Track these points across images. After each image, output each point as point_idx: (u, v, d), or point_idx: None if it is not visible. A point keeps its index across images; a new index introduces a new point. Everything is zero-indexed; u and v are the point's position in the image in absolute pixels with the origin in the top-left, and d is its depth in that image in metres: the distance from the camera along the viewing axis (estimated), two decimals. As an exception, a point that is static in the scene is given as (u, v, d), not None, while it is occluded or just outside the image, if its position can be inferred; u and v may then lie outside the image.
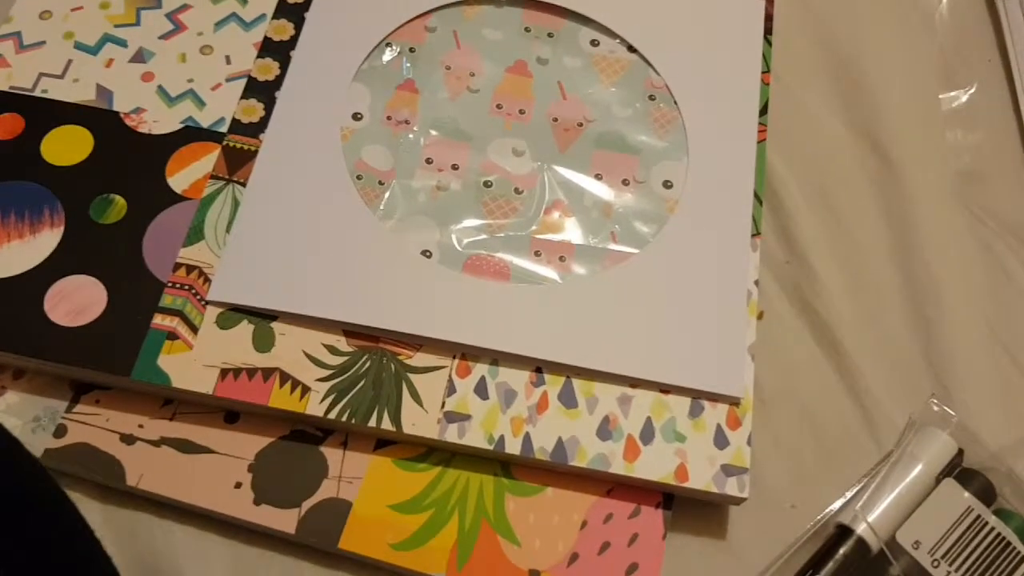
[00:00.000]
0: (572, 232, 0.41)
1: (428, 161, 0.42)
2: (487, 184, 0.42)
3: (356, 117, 0.43)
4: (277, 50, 0.44)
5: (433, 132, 0.43)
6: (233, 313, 0.38)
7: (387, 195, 0.41)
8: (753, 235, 0.41)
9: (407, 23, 0.45)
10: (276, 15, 0.45)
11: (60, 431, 0.38)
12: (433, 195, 0.41)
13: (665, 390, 0.38)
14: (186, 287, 0.38)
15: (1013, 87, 0.49)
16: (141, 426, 0.38)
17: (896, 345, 0.42)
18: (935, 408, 0.39)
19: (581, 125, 0.44)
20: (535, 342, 0.38)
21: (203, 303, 0.38)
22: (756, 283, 0.40)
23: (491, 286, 0.39)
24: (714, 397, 0.38)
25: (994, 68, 0.50)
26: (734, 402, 0.38)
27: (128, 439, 0.38)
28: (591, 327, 0.39)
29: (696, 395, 0.38)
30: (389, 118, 0.43)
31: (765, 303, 0.43)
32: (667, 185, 0.43)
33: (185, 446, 0.38)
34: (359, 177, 0.41)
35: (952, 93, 0.49)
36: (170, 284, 0.38)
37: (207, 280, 0.39)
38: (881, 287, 0.44)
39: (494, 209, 0.41)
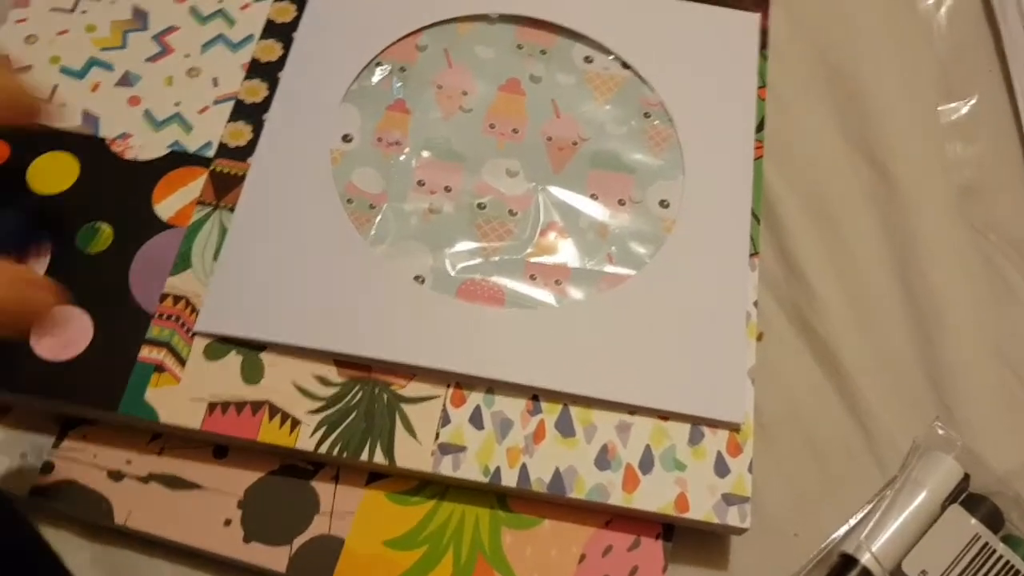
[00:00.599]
0: (568, 254, 0.41)
1: (420, 183, 0.42)
2: (481, 206, 0.41)
3: (346, 139, 0.42)
4: (265, 71, 0.43)
5: (425, 153, 0.42)
6: (221, 344, 0.37)
7: (378, 219, 0.40)
8: (751, 255, 0.41)
9: (398, 42, 0.45)
10: (264, 35, 0.44)
11: (47, 468, 0.37)
12: (425, 218, 0.41)
13: (664, 416, 0.37)
14: (173, 318, 0.38)
15: (1013, 98, 0.48)
16: (129, 462, 0.37)
17: (898, 364, 0.42)
18: (939, 431, 0.39)
19: (576, 144, 0.43)
20: (531, 369, 0.37)
21: (190, 334, 0.37)
22: (755, 304, 0.40)
23: (485, 312, 0.38)
24: (714, 423, 0.37)
25: (994, 78, 0.49)
26: (734, 428, 0.37)
27: (116, 475, 0.37)
28: (588, 353, 0.38)
29: (696, 422, 0.37)
30: (380, 139, 0.42)
31: (764, 323, 0.42)
32: (664, 204, 0.42)
33: (174, 482, 0.37)
34: (349, 201, 0.41)
35: (952, 105, 0.48)
36: (157, 315, 0.38)
37: (194, 310, 0.38)
38: (882, 304, 0.43)
39: (488, 232, 0.41)
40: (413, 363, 0.37)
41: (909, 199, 0.45)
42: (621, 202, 0.42)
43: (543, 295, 0.39)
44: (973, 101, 0.48)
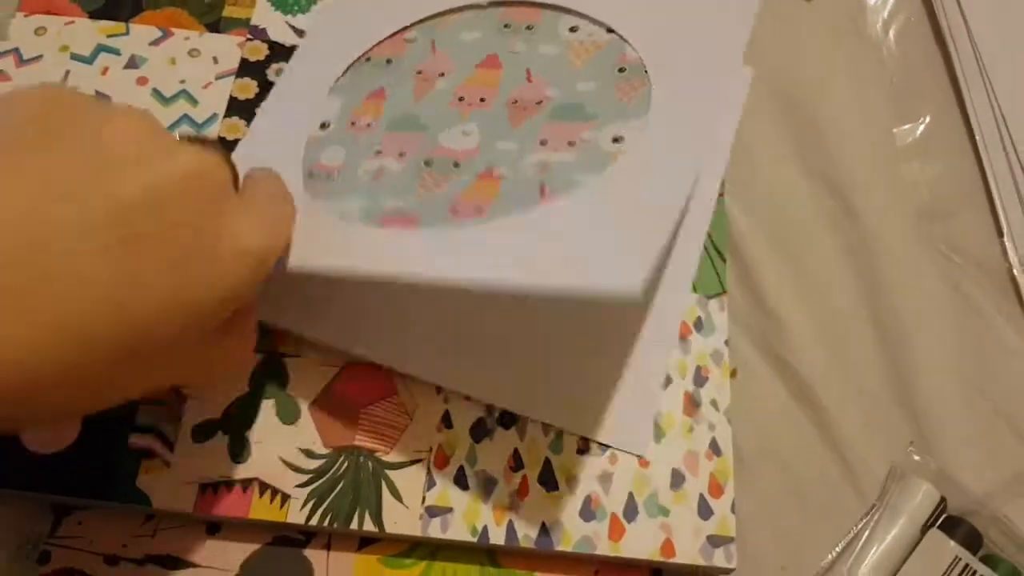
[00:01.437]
0: (499, 189, 0.37)
1: (378, 152, 0.40)
2: (427, 163, 0.39)
3: (323, 126, 0.42)
4: (232, 150, 0.44)
5: (389, 128, 0.41)
6: (207, 424, 0.38)
7: (333, 184, 0.39)
8: (719, 293, 0.41)
9: (387, 39, 0.44)
10: (228, 113, 0.45)
11: (44, 557, 0.37)
12: (376, 178, 0.39)
13: (645, 463, 0.38)
14: (160, 402, 0.38)
15: (966, 116, 0.49)
16: (124, 545, 0.38)
17: (871, 391, 0.43)
18: (915, 457, 0.40)
19: (540, 103, 0.41)
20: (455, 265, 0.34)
21: (178, 417, 0.38)
22: (726, 342, 0.40)
23: (401, 233, 0.37)
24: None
25: (946, 97, 0.50)
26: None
27: (112, 560, 0.37)
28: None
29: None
30: (353, 123, 0.42)
31: (737, 360, 0.43)
32: (617, 140, 0.38)
33: (169, 562, 0.37)
34: (311, 175, 0.40)
35: (906, 127, 0.49)
36: (144, 400, 0.38)
37: (178, 392, 0.38)
38: (851, 333, 0.44)
39: (429, 184, 0.39)
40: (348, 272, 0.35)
41: (871, 224, 0.46)
42: (571, 143, 0.39)
43: (461, 220, 0.36)
44: (926, 121, 0.50)
